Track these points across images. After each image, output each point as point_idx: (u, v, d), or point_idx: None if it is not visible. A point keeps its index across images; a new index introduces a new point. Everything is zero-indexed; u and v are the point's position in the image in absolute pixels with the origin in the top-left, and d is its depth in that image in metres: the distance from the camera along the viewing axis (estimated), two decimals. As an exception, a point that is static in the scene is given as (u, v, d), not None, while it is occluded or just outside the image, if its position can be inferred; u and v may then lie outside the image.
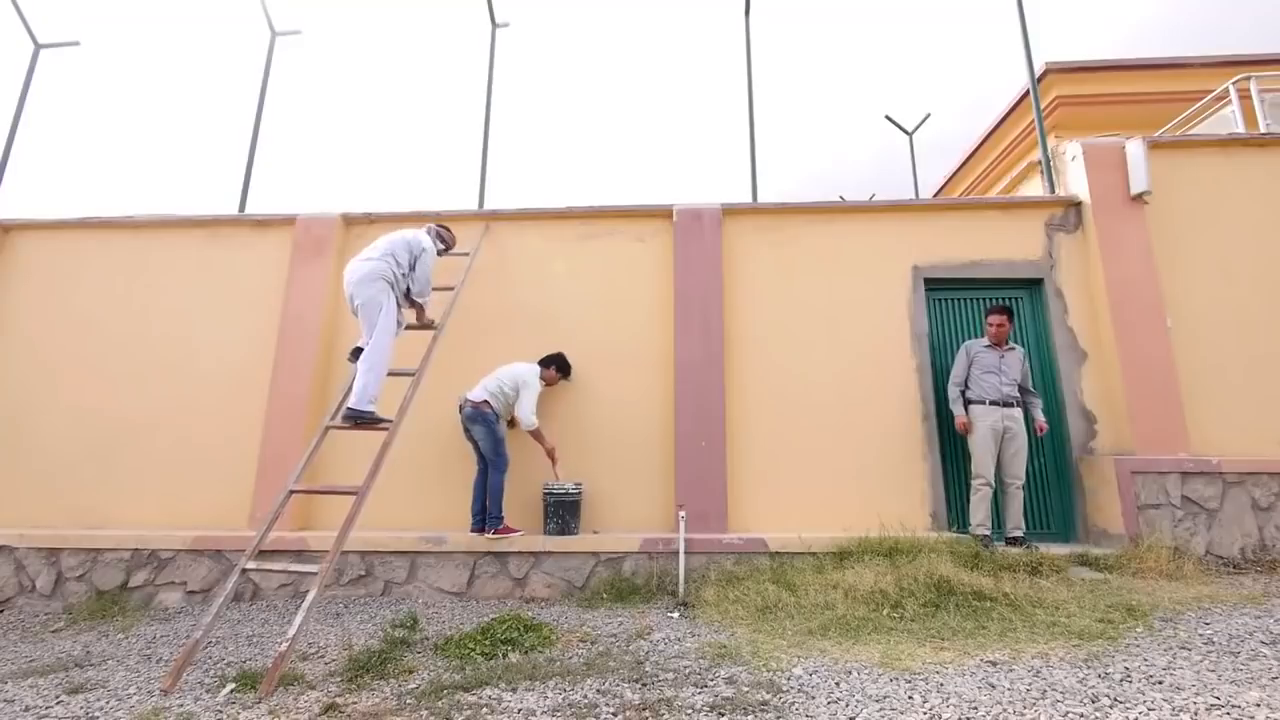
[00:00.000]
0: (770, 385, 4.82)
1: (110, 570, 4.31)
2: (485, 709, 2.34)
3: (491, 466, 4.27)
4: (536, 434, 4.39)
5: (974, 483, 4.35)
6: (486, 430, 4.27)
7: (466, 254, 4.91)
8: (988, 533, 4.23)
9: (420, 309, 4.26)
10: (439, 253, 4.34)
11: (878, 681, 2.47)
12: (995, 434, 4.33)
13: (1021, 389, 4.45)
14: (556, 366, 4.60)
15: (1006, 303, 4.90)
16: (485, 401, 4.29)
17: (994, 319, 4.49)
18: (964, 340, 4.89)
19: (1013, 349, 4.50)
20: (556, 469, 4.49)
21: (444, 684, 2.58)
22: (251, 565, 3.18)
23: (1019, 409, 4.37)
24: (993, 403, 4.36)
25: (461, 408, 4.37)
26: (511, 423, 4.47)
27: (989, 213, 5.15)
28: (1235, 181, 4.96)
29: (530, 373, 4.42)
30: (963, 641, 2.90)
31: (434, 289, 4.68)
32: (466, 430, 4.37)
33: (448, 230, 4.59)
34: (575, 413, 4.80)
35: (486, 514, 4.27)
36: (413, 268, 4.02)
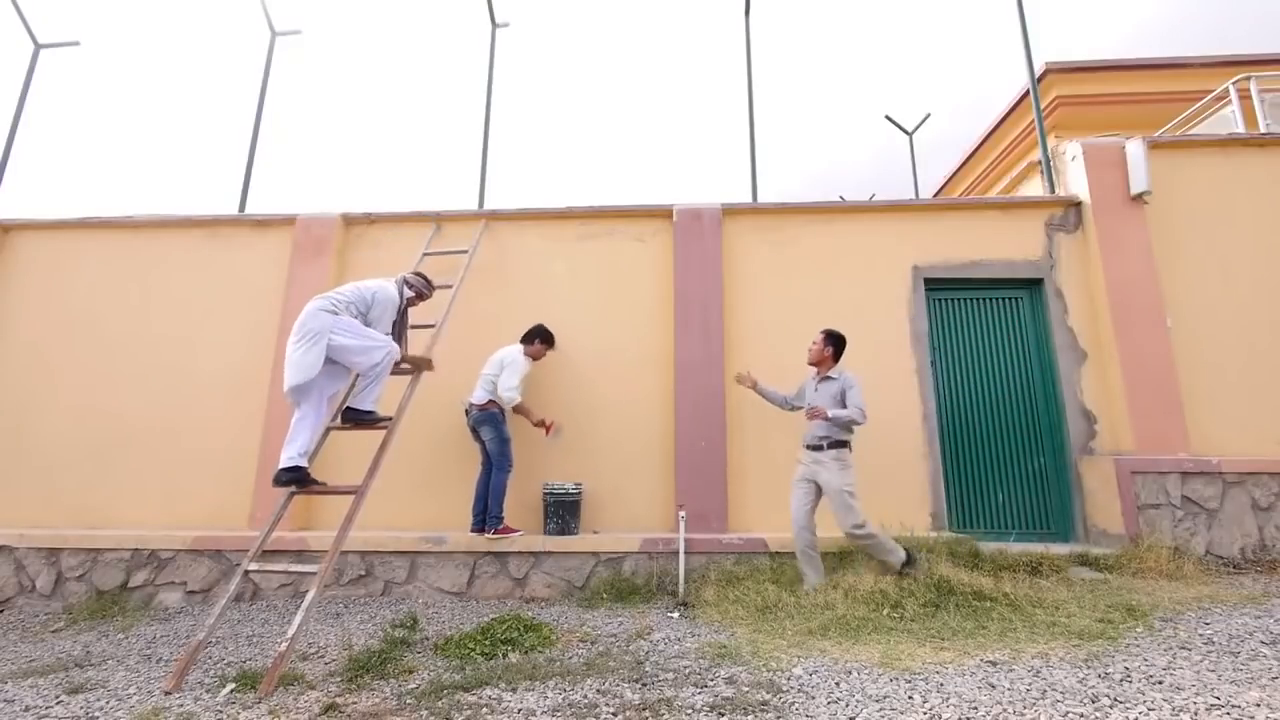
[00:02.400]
0: (770, 385, 4.81)
1: (110, 570, 4.31)
2: (485, 709, 2.34)
3: (496, 466, 4.27)
4: (521, 409, 4.36)
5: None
6: (494, 430, 4.28)
7: (465, 251, 4.91)
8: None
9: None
10: (410, 301, 3.91)
11: (878, 681, 2.47)
12: (802, 483, 3.83)
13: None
14: (539, 339, 4.57)
15: (1009, 302, 4.91)
16: (490, 401, 4.30)
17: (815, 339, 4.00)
18: (964, 340, 4.90)
19: (830, 379, 3.92)
20: (551, 433, 4.47)
21: (444, 684, 2.58)
22: (254, 567, 3.18)
23: (830, 451, 3.76)
24: (805, 446, 3.89)
25: (468, 412, 4.38)
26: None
27: (989, 213, 5.15)
28: (1235, 181, 4.96)
29: (512, 352, 4.43)
30: (963, 641, 2.90)
31: (434, 288, 4.70)
32: (475, 432, 4.38)
33: (421, 277, 4.03)
34: (575, 413, 4.79)
35: (487, 514, 4.27)
36: (365, 315, 3.57)
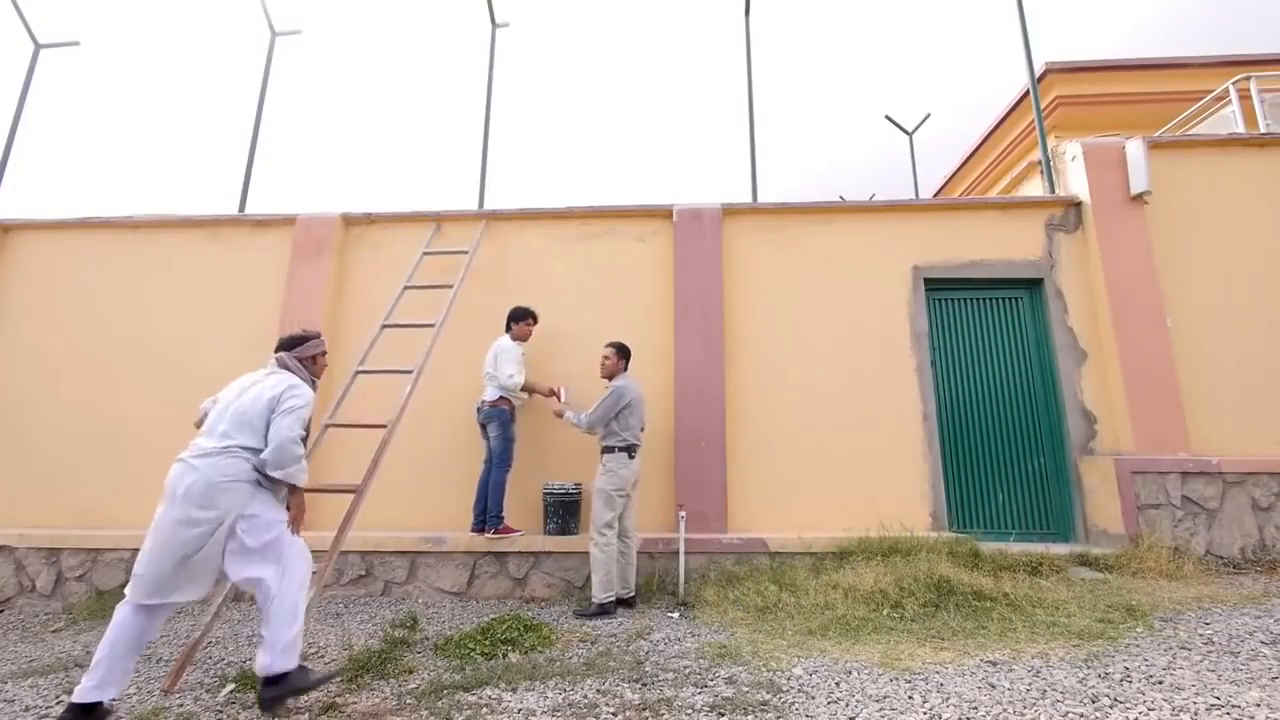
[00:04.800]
0: (770, 385, 4.82)
1: (110, 570, 4.31)
2: (485, 709, 2.34)
3: (496, 463, 4.28)
4: (529, 386, 4.42)
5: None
6: (500, 428, 4.29)
7: (465, 252, 4.91)
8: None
9: (291, 487, 2.54)
10: (311, 383, 2.76)
11: (878, 681, 2.47)
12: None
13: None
14: (515, 320, 4.56)
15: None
16: (501, 399, 4.32)
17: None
18: (964, 340, 4.90)
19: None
20: (562, 395, 4.43)
21: (444, 684, 2.58)
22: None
23: (602, 456, 3.90)
24: None
25: (479, 409, 4.40)
26: (530, 390, 4.47)
27: (989, 213, 5.15)
28: (1235, 181, 4.96)
29: (501, 342, 4.47)
30: (963, 641, 2.90)
31: (434, 288, 4.70)
32: (483, 428, 4.40)
33: (305, 340, 2.83)
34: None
35: (487, 514, 4.27)
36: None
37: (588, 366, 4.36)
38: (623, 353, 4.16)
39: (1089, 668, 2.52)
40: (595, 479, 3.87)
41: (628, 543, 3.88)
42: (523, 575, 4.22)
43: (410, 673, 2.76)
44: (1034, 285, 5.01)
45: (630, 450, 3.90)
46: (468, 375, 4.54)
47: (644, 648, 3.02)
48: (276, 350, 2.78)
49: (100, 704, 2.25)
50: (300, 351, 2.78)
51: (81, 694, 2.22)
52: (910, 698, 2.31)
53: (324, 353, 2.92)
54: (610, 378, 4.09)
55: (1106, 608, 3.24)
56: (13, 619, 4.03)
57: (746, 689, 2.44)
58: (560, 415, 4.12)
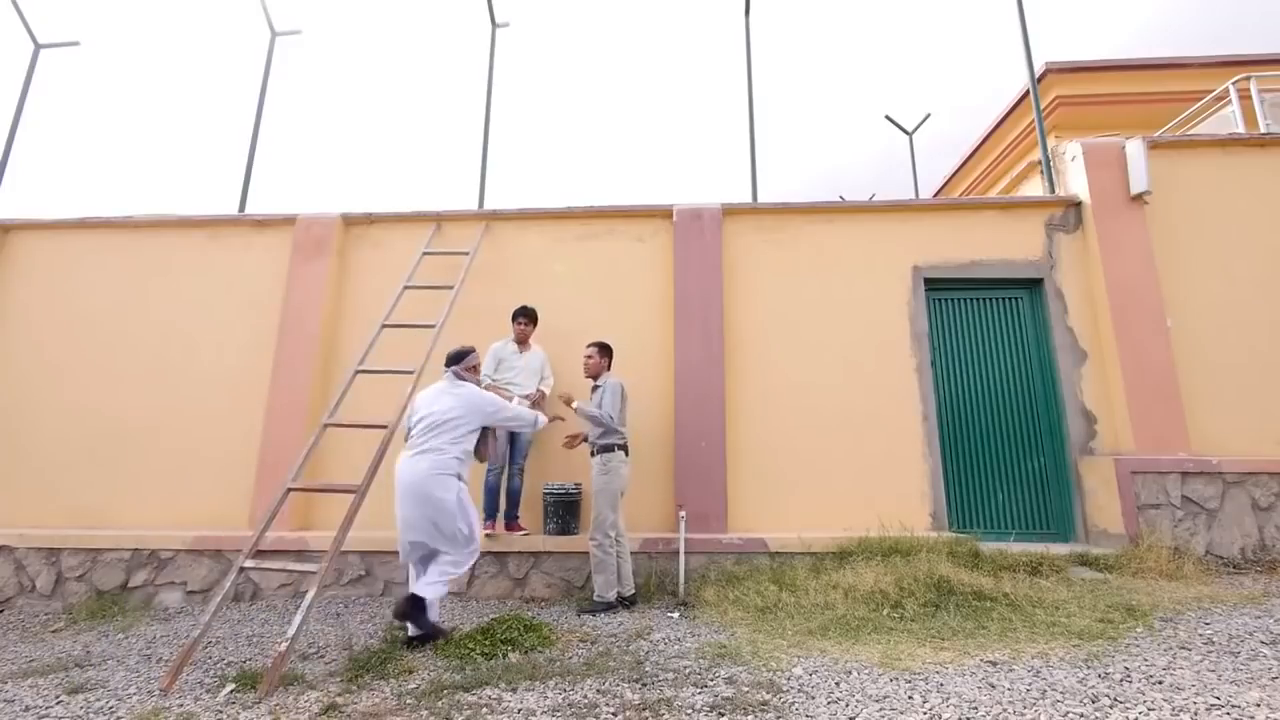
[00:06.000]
0: (770, 385, 4.82)
1: (110, 570, 4.31)
2: (485, 709, 2.34)
3: (489, 461, 4.25)
4: (491, 388, 4.24)
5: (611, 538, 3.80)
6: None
7: (466, 253, 4.91)
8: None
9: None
10: (475, 382, 3.60)
11: (878, 681, 2.47)
12: None
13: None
14: (514, 320, 4.53)
15: (1012, 301, 4.95)
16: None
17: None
18: (964, 340, 4.90)
19: (598, 387, 4.02)
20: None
21: (444, 684, 2.58)
22: (250, 564, 3.18)
23: (598, 456, 3.87)
24: None
25: None
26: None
27: (989, 213, 5.15)
28: (1235, 181, 4.96)
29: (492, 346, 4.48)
30: (963, 641, 2.90)
31: (434, 288, 4.71)
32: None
33: (464, 355, 3.56)
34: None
35: (503, 511, 4.28)
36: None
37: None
38: (605, 351, 4.12)
39: (1089, 668, 2.52)
40: (594, 479, 3.85)
41: (621, 542, 3.87)
42: (523, 575, 4.22)
43: (410, 673, 2.76)
44: (1034, 285, 5.01)
45: (626, 449, 3.90)
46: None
47: (644, 648, 3.02)
48: (446, 365, 3.50)
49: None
50: (464, 364, 3.52)
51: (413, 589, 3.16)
52: (910, 698, 2.31)
53: (478, 365, 3.70)
54: (595, 378, 4.07)
55: (1106, 608, 3.24)
56: (13, 619, 4.03)
57: (746, 689, 2.44)
58: (570, 403, 3.92)
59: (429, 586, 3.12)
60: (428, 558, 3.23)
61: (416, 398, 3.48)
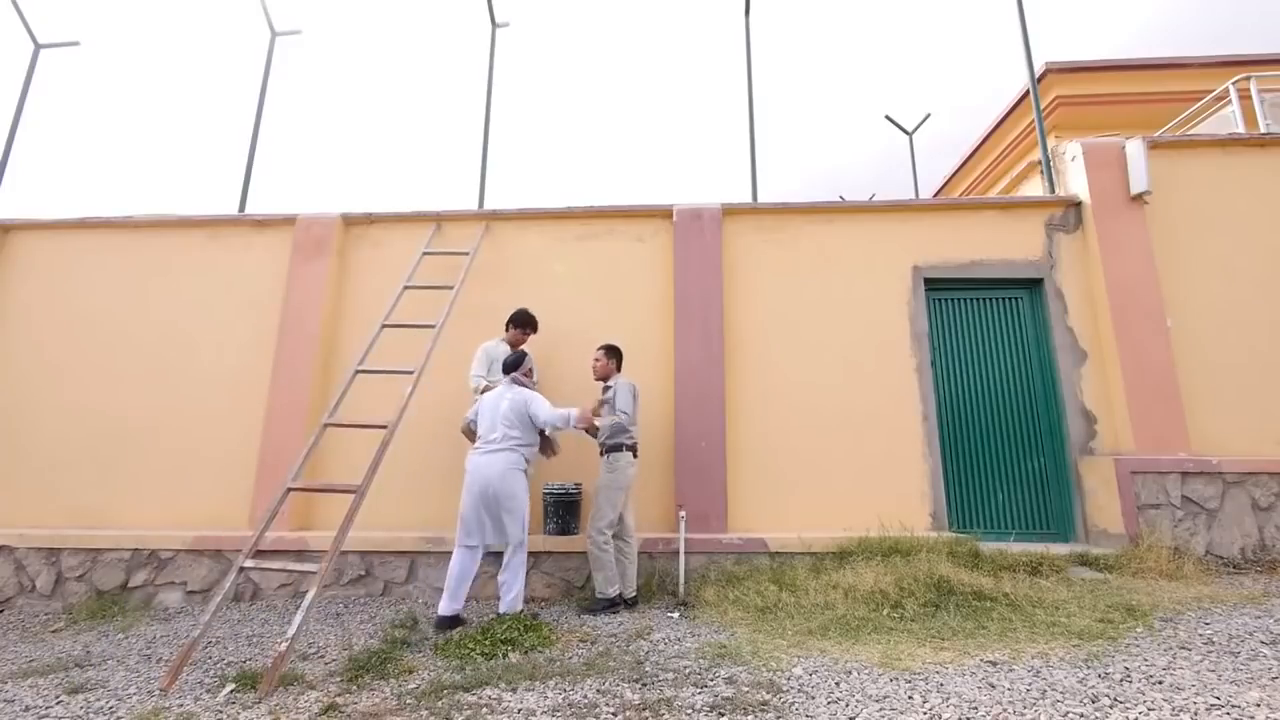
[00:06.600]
0: (770, 385, 4.82)
1: (110, 570, 4.31)
2: (485, 709, 2.34)
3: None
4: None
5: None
6: None
7: (466, 253, 4.91)
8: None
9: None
10: (530, 385, 3.91)
11: (878, 681, 2.47)
12: None
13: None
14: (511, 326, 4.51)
15: (1011, 302, 4.94)
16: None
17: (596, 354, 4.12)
18: (964, 340, 4.89)
19: (609, 388, 4.00)
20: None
21: (444, 684, 2.58)
22: (250, 563, 3.18)
23: (606, 456, 3.88)
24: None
25: None
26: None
27: (989, 213, 5.15)
28: (1235, 181, 4.96)
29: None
30: (963, 641, 2.90)
31: (434, 288, 4.71)
32: None
33: (521, 361, 3.91)
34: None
35: None
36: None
37: (588, 367, 4.34)
38: (613, 354, 4.12)
39: (1089, 668, 2.52)
40: (600, 478, 3.86)
41: (629, 542, 3.87)
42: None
43: (410, 673, 2.76)
44: (1034, 285, 5.01)
45: (635, 450, 3.90)
46: (468, 376, 4.53)
47: (644, 648, 3.02)
48: (505, 372, 3.89)
49: (459, 615, 3.43)
50: (521, 369, 3.87)
51: (444, 609, 3.42)
52: (910, 698, 2.31)
53: (532, 369, 3.99)
54: (604, 380, 4.07)
55: (1106, 608, 3.24)
56: (13, 619, 4.03)
57: (746, 689, 2.44)
58: (600, 405, 3.86)
59: (508, 602, 3.46)
60: (475, 549, 3.56)
61: (483, 399, 3.84)
